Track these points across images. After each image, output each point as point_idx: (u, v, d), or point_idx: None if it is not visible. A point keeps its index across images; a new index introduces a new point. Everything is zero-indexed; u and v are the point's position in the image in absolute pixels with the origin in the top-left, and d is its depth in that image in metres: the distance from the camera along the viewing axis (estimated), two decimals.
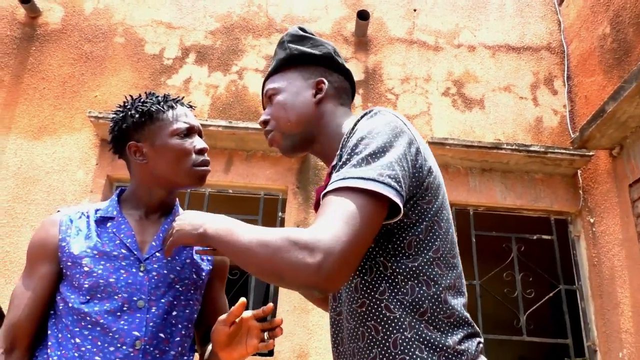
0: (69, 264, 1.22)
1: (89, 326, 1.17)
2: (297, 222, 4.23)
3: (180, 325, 1.26)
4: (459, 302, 1.01)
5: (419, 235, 0.99)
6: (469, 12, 5.13)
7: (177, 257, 1.30)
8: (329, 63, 1.22)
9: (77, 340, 1.16)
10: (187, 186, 1.33)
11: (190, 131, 1.33)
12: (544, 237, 4.40)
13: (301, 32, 1.25)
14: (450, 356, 0.94)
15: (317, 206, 1.14)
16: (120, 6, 4.92)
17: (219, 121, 4.24)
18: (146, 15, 4.90)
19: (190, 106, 1.42)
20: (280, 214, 4.34)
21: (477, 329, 1.03)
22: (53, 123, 4.44)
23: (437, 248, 1.00)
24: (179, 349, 1.25)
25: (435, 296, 0.97)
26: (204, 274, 1.35)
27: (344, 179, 0.93)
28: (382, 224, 0.96)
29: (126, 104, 1.35)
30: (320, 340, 3.93)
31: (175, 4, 4.97)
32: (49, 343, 1.19)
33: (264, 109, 1.24)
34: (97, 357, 1.15)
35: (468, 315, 1.03)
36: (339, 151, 1.05)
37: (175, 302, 1.25)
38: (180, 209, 1.41)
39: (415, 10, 5.11)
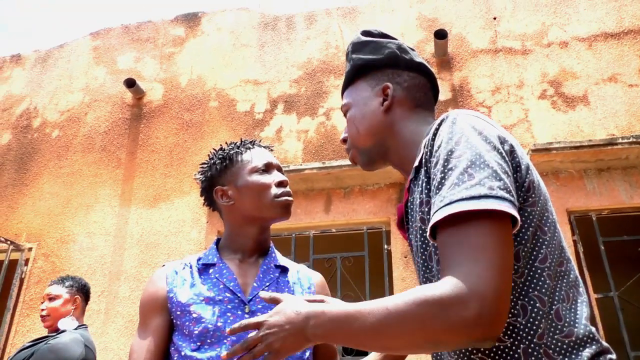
0: (178, 313, 1.26)
1: None
2: (404, 253, 4.12)
3: None
4: (578, 316, 0.85)
5: (525, 245, 0.85)
6: (554, 7, 4.84)
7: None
8: (395, 63, 1.12)
9: None
10: (273, 219, 1.36)
11: (268, 167, 1.39)
12: None
13: (363, 38, 1.16)
14: None
15: (399, 225, 1.07)
16: (211, 73, 5.29)
17: (313, 163, 4.33)
18: (235, 76, 5.22)
19: (267, 147, 1.47)
20: (385, 246, 4.27)
21: (606, 344, 0.86)
22: (165, 190, 4.82)
23: (544, 257, 0.86)
24: None
25: (553, 314, 0.83)
26: None
27: (450, 203, 0.80)
28: None
29: (210, 157, 1.45)
30: None
31: (260, 61, 5.25)
32: None
33: None
34: None
35: (593, 329, 0.86)
36: (416, 163, 0.96)
37: None
38: (276, 251, 1.45)
39: (495, 18, 4.93)
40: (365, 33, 1.17)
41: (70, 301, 2.51)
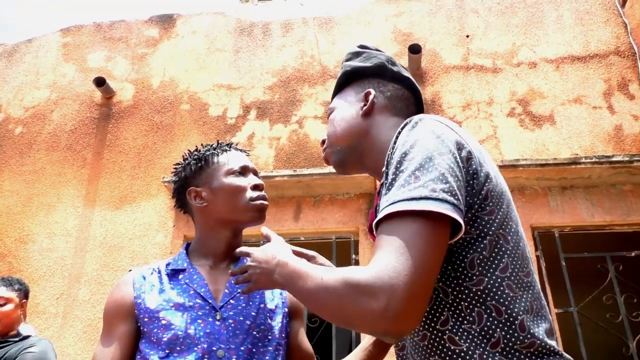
0: (145, 319, 1.22)
1: None
2: None
3: None
4: (540, 328, 0.86)
5: (482, 253, 0.86)
6: (525, 29, 4.98)
7: (251, 302, 1.29)
8: (382, 73, 1.16)
9: None
10: (247, 222, 1.34)
11: (244, 170, 1.37)
12: None
13: (357, 49, 1.22)
14: None
15: (370, 230, 1.09)
16: (183, 76, 5.23)
17: (284, 171, 4.31)
18: (208, 80, 5.18)
19: (244, 150, 1.46)
20: (353, 256, 4.28)
21: (568, 357, 0.87)
22: (132, 192, 4.71)
23: (505, 266, 0.86)
24: None
25: (509, 323, 0.84)
26: (279, 317, 1.33)
27: (392, 203, 0.83)
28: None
29: (185, 158, 1.43)
30: None
31: (234, 66, 5.22)
32: None
33: None
34: None
35: (554, 343, 0.87)
36: (384, 168, 0.97)
37: (254, 350, 1.23)
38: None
39: (467, 36, 5.04)
40: (361, 46, 1.23)
41: (19, 306, 2.42)
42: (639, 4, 4.62)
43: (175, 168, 1.45)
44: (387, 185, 0.90)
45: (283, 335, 1.33)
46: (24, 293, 2.48)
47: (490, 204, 0.89)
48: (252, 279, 1.09)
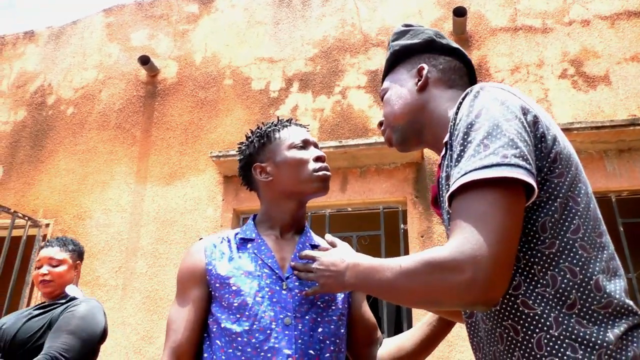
0: (217, 285, 1.28)
1: (240, 347, 1.20)
2: (420, 232, 4.12)
3: (328, 342, 1.26)
4: (617, 288, 0.85)
5: (552, 215, 0.86)
6: None
7: None
8: (431, 48, 1.17)
9: None
10: (311, 193, 1.38)
11: (306, 143, 1.41)
12: None
13: (402, 28, 1.23)
14: (612, 353, 0.79)
15: (433, 203, 1.10)
16: (225, 51, 5.25)
17: (329, 142, 4.31)
18: (249, 54, 5.18)
19: (303, 125, 1.50)
20: (402, 225, 4.27)
21: None
22: (181, 168, 4.82)
23: (577, 227, 0.86)
24: None
25: (584, 284, 0.83)
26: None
27: (465, 174, 0.83)
28: None
29: (248, 136, 1.48)
30: (462, 352, 3.74)
31: (274, 38, 5.20)
32: None
33: None
34: None
35: (631, 302, 0.86)
36: (446, 138, 0.97)
37: (319, 319, 1.27)
38: (311, 230, 1.47)
39: None
40: (406, 25, 1.24)
41: (73, 267, 2.30)
42: None
43: (239, 147, 1.50)
44: (455, 157, 0.89)
45: (345, 306, 1.36)
46: (78, 254, 2.37)
47: (559, 166, 0.88)
48: (319, 282, 1.13)
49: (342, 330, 1.32)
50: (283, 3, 5.36)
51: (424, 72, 1.13)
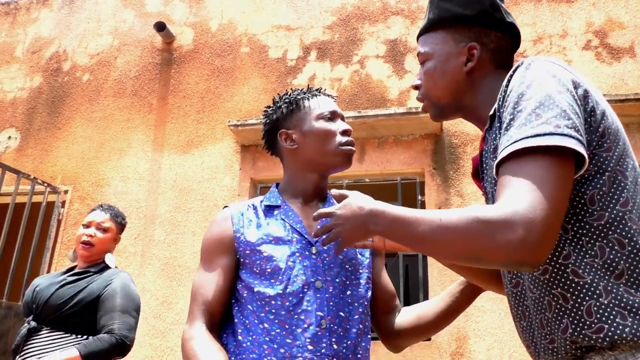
0: (247, 252, 1.29)
1: (274, 310, 1.22)
2: (438, 204, 4.12)
3: (356, 304, 1.29)
4: None
5: (601, 189, 0.87)
6: None
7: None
8: (485, 21, 1.09)
9: (266, 325, 1.22)
10: (335, 167, 1.37)
11: (334, 115, 1.40)
12: None
13: None
14: None
15: (474, 175, 1.09)
16: (241, 18, 5.18)
17: (348, 112, 4.28)
18: (266, 22, 5.11)
19: (331, 96, 1.48)
20: (419, 197, 4.27)
21: None
22: (198, 136, 4.82)
23: (626, 200, 0.88)
24: (360, 326, 1.28)
25: (633, 255, 0.85)
26: (367, 253, 1.39)
27: (516, 141, 0.84)
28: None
29: (276, 101, 1.46)
30: (479, 322, 3.80)
31: (292, 6, 5.11)
32: (238, 330, 1.26)
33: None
34: (287, 340, 1.19)
35: None
36: (491, 112, 0.97)
37: (347, 282, 1.29)
38: (333, 199, 1.45)
39: None
40: None
41: (114, 239, 2.35)
42: None
43: (265, 111, 1.48)
44: (505, 126, 0.90)
45: (370, 270, 1.39)
46: (122, 227, 2.42)
47: (608, 141, 0.89)
48: (342, 236, 1.07)
49: (369, 294, 1.34)
50: None
51: (476, 53, 1.07)
